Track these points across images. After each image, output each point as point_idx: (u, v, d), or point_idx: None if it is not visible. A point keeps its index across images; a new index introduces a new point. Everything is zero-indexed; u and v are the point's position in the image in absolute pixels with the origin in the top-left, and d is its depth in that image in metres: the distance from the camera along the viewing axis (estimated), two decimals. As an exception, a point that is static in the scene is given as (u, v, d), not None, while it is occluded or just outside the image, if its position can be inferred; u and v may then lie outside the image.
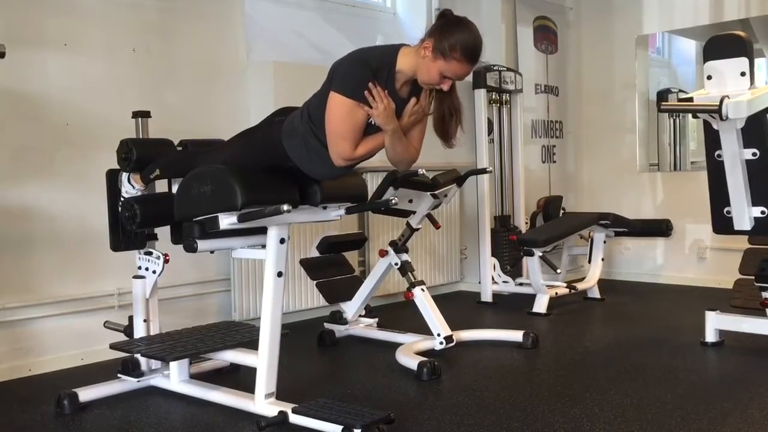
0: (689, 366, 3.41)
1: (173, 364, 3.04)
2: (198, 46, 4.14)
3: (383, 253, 3.84)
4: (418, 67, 2.45)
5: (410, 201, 3.92)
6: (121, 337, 3.19)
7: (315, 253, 4.04)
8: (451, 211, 5.32)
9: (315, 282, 4.02)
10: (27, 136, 3.52)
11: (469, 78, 5.27)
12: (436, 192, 3.88)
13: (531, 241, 4.71)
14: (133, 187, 3.08)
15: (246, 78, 4.34)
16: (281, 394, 2.75)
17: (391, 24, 5.54)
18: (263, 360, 2.70)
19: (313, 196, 2.73)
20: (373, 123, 2.48)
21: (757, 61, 3.66)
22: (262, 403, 2.70)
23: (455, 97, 2.54)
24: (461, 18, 2.46)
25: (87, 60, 3.72)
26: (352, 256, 4.45)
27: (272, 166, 2.66)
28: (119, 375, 3.11)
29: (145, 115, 3.27)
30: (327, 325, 4.05)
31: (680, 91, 6.06)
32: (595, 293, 5.13)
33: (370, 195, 3.55)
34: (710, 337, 3.73)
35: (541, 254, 4.78)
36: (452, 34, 2.39)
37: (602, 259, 5.19)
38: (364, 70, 2.42)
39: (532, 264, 4.70)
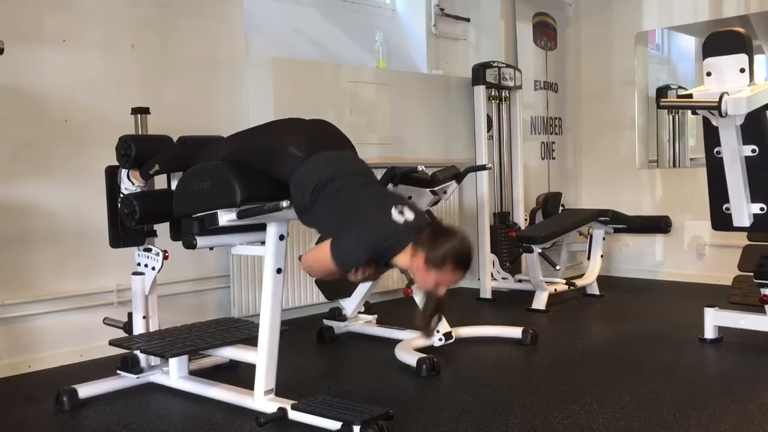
0: (688, 362, 3.41)
1: (172, 361, 3.04)
2: (197, 42, 4.13)
3: (382, 250, 3.83)
4: (413, 272, 2.47)
5: (409, 197, 3.91)
6: (121, 334, 3.19)
7: (314, 250, 4.03)
8: (450, 208, 5.32)
9: (314, 279, 4.02)
10: (25, 133, 3.52)
11: (469, 74, 5.30)
12: (435, 188, 3.88)
13: (530, 237, 4.71)
14: (133, 184, 3.06)
15: (245, 74, 4.33)
16: (280, 390, 2.75)
17: (391, 20, 5.54)
18: (262, 356, 2.71)
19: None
20: None
21: (757, 58, 3.65)
22: (262, 399, 2.70)
23: (443, 295, 2.54)
24: (449, 228, 2.48)
25: (86, 56, 3.71)
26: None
27: (266, 174, 2.65)
28: (118, 371, 3.11)
29: (144, 111, 3.26)
30: (326, 322, 4.05)
31: (679, 87, 6.06)
32: (594, 290, 5.13)
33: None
34: (709, 333, 3.73)
35: (540, 251, 4.78)
36: (442, 244, 2.40)
37: (601, 256, 5.19)
38: (365, 258, 2.44)
39: (531, 260, 4.70)
